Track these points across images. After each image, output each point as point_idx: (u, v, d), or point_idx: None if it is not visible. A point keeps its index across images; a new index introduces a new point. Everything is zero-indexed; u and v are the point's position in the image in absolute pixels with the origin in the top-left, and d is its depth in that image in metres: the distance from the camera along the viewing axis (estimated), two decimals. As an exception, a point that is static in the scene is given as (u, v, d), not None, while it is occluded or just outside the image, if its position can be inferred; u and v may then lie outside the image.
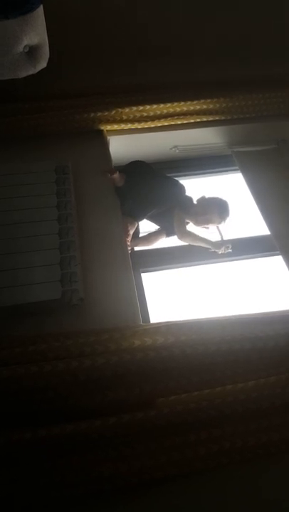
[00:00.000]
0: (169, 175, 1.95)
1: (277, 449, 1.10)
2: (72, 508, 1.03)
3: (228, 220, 1.76)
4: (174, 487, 1.06)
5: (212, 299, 1.82)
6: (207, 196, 1.82)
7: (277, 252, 1.83)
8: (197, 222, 1.78)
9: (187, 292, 1.86)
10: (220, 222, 1.76)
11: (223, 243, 1.71)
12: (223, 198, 1.80)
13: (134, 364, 1.15)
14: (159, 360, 1.17)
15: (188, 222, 1.81)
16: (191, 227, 1.82)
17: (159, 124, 1.99)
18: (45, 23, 1.53)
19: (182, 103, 2.00)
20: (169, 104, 1.98)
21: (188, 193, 1.85)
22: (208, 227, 1.79)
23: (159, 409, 1.12)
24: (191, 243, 1.76)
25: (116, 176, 1.73)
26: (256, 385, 1.18)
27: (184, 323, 1.28)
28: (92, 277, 1.49)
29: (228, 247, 1.69)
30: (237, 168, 2.15)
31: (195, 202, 1.82)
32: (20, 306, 1.35)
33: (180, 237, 1.75)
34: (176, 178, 1.88)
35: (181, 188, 1.83)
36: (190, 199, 1.83)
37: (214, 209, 1.74)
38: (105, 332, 1.26)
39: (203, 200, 1.80)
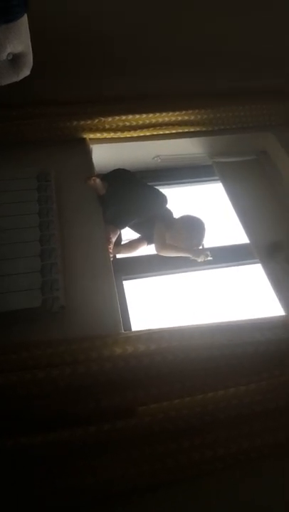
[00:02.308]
0: (151, 184, 1.97)
1: (259, 455, 1.11)
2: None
3: (204, 243, 1.77)
4: (156, 495, 1.06)
5: (193, 306, 1.84)
6: (186, 218, 1.80)
7: (257, 260, 1.87)
8: (176, 243, 1.77)
9: (169, 300, 1.87)
10: (197, 247, 1.77)
11: (202, 251, 1.72)
12: (200, 222, 1.77)
13: (115, 372, 1.15)
14: (140, 368, 1.17)
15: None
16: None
17: (142, 134, 2.01)
18: (29, 32, 1.53)
19: (164, 113, 2.03)
20: (151, 115, 2.01)
21: (170, 202, 1.87)
22: None
23: (140, 418, 1.12)
24: (171, 255, 1.77)
25: (97, 182, 1.73)
26: (236, 392, 1.19)
27: (165, 331, 1.29)
28: (74, 285, 1.48)
29: (207, 255, 1.71)
30: (217, 178, 2.19)
31: (175, 217, 1.82)
32: (1, 314, 1.33)
33: (159, 252, 1.75)
34: (158, 188, 1.90)
35: (163, 198, 1.84)
36: (171, 213, 1.84)
37: (192, 237, 1.73)
38: (86, 340, 1.26)
39: (182, 223, 1.78)
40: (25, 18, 1.47)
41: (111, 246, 1.69)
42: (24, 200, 1.58)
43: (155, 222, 1.77)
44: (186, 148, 2.17)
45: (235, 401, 1.16)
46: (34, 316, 1.37)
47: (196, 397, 1.19)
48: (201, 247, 1.74)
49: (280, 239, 1.91)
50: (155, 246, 1.76)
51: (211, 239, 1.79)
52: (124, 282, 1.79)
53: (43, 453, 1.03)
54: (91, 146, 1.98)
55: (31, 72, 1.58)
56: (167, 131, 2.05)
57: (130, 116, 1.98)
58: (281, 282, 1.76)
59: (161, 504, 1.07)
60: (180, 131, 2.06)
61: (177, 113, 2.04)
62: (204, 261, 1.72)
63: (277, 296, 1.73)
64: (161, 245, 1.74)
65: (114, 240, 1.72)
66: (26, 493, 1.00)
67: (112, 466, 1.06)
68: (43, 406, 1.11)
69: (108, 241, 1.67)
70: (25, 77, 1.58)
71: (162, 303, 1.85)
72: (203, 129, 2.09)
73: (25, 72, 1.59)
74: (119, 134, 1.98)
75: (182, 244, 1.74)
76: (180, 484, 1.08)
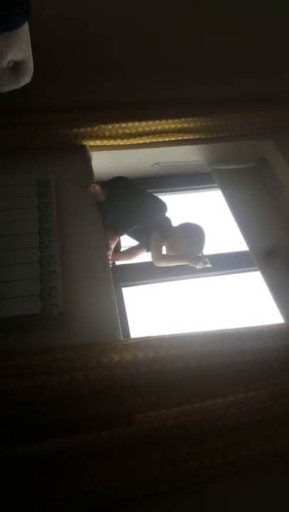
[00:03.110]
0: (150, 191, 1.97)
1: (258, 463, 1.11)
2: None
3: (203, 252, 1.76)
4: (154, 503, 1.05)
5: (192, 313, 1.84)
6: (186, 225, 1.80)
7: (256, 267, 1.87)
8: (175, 252, 1.77)
9: (167, 307, 1.87)
10: (197, 254, 1.76)
11: (201, 258, 1.72)
12: (200, 230, 1.77)
13: (113, 380, 1.15)
14: (138, 376, 1.16)
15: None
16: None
17: (141, 141, 2.02)
18: (29, 39, 1.54)
19: (164, 121, 2.04)
20: (150, 122, 2.02)
21: (169, 209, 1.87)
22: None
23: (139, 425, 1.11)
24: (168, 265, 1.76)
25: (97, 189, 1.74)
26: (235, 400, 1.18)
27: (164, 338, 1.28)
28: (73, 291, 1.48)
29: (206, 262, 1.70)
30: (216, 185, 2.20)
31: (174, 225, 1.83)
32: (-1, 320, 1.33)
33: (156, 263, 1.74)
34: (157, 195, 1.91)
35: (163, 206, 1.84)
36: (169, 221, 1.84)
37: (193, 244, 1.73)
38: (85, 347, 1.25)
39: (182, 231, 1.78)
40: (26, 26, 1.49)
41: (110, 253, 1.69)
42: (24, 207, 1.59)
43: (152, 231, 1.77)
44: (186, 155, 2.18)
45: (233, 409, 1.15)
46: (32, 323, 1.37)
47: (195, 405, 1.18)
48: (200, 254, 1.74)
49: (274, 246, 1.91)
50: (152, 258, 1.76)
51: (210, 246, 1.79)
52: (123, 289, 1.79)
53: (41, 461, 1.02)
54: (91, 153, 1.99)
55: (32, 79, 1.59)
56: (167, 139, 2.06)
57: (130, 124, 1.99)
58: (280, 290, 1.76)
59: (159, 512, 1.06)
60: (179, 138, 2.07)
61: (176, 120, 2.06)
62: (203, 268, 1.72)
63: (277, 303, 1.72)
64: (158, 257, 1.74)
65: (113, 246, 1.72)
66: (23, 501, 0.99)
67: (110, 473, 1.04)
68: (41, 413, 1.10)
69: (107, 248, 1.67)
70: (25, 84, 1.60)
71: (161, 310, 1.85)
72: (203, 136, 2.10)
73: (26, 79, 1.60)
74: (118, 142, 1.99)
75: (182, 252, 1.74)
76: (178, 492, 1.07)
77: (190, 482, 1.07)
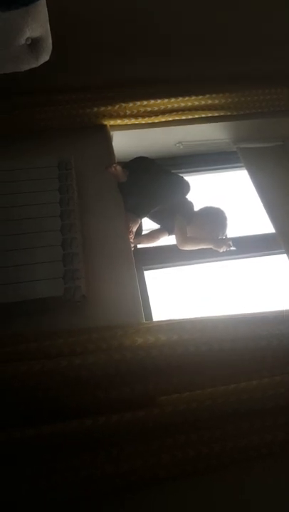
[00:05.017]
0: (173, 171, 1.94)
1: (282, 448, 1.09)
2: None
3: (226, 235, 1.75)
4: (177, 485, 1.06)
5: (215, 297, 1.81)
6: (207, 210, 1.80)
7: (282, 250, 1.82)
8: (198, 236, 1.76)
9: (190, 290, 1.85)
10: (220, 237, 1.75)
11: (224, 241, 1.70)
12: (222, 213, 1.77)
13: (136, 362, 1.15)
14: (161, 358, 1.16)
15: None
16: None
17: (163, 119, 1.97)
18: (47, 15, 1.50)
19: (187, 98, 1.98)
20: (173, 99, 1.96)
21: (192, 189, 1.83)
22: None
23: (161, 408, 1.11)
24: (193, 248, 1.74)
25: (118, 170, 1.71)
26: (259, 385, 1.16)
27: (186, 322, 1.27)
28: (95, 274, 1.48)
29: (229, 245, 1.68)
30: (242, 164, 2.13)
31: (196, 210, 1.80)
32: (23, 303, 1.34)
33: (182, 247, 1.73)
34: (180, 175, 1.86)
35: (186, 185, 1.81)
36: (191, 205, 1.81)
37: (215, 229, 1.73)
38: (108, 329, 1.25)
39: (204, 216, 1.78)
40: (44, 1, 1.45)
41: (132, 235, 1.67)
42: (45, 190, 1.57)
43: (176, 215, 1.75)
44: (210, 134, 2.12)
45: (258, 394, 1.14)
46: (55, 305, 1.38)
47: (219, 389, 1.17)
48: (223, 237, 1.71)
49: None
50: (177, 241, 1.74)
51: (235, 228, 1.76)
52: (145, 272, 1.78)
53: (65, 441, 1.04)
54: (111, 132, 1.95)
55: (50, 57, 1.56)
56: (190, 116, 2.00)
57: (152, 101, 1.94)
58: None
59: (182, 494, 1.06)
60: (203, 116, 2.02)
61: (200, 97, 1.99)
62: (226, 251, 1.69)
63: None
64: (183, 240, 1.73)
65: (135, 229, 1.70)
66: (47, 481, 1.01)
67: (133, 455, 1.06)
68: (65, 395, 1.11)
69: (129, 230, 1.65)
70: (44, 63, 1.56)
71: (183, 293, 1.83)
72: (228, 113, 2.04)
73: (45, 57, 1.57)
74: (140, 120, 1.95)
75: (204, 236, 1.72)
76: (201, 475, 1.07)
77: (212, 465, 1.07)
